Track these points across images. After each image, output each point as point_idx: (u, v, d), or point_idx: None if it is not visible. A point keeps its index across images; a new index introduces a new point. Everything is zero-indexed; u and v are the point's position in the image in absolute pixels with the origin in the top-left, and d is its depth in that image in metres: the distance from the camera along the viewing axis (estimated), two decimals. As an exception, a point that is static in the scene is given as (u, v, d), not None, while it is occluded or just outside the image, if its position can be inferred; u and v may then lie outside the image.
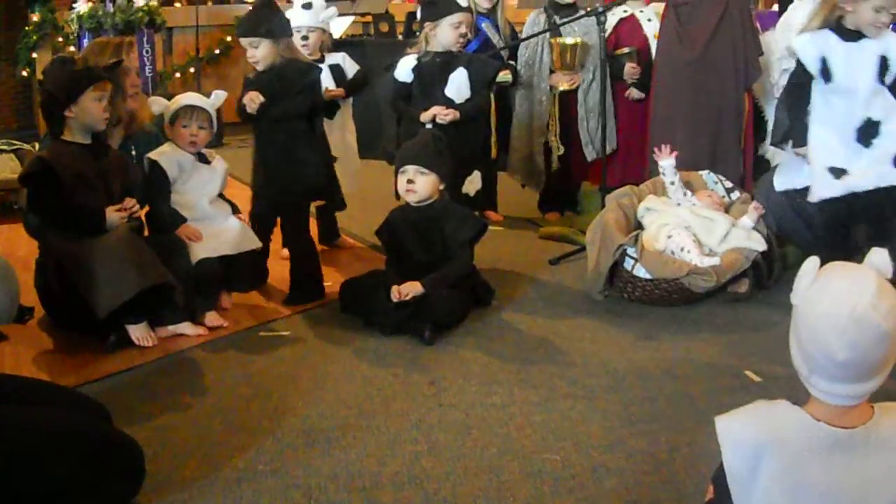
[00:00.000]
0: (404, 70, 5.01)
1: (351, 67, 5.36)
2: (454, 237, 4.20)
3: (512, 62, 5.84)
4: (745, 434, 1.85)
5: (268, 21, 4.32)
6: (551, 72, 5.77)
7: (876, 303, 1.74)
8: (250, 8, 4.62)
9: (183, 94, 4.49)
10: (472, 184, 4.85)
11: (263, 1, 4.44)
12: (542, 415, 3.26)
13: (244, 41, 4.42)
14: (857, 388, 1.80)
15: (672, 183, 4.74)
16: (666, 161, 4.74)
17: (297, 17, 5.03)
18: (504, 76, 5.73)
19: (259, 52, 4.36)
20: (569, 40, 5.66)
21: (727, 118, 5.31)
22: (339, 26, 8.57)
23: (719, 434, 1.88)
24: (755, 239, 4.45)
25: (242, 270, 4.40)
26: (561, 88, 5.76)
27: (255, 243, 4.39)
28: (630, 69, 5.81)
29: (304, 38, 5.03)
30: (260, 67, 4.39)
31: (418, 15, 5.69)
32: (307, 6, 5.14)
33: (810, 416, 1.84)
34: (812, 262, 1.85)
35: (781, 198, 4.78)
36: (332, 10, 5.40)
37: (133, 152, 4.44)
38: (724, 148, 5.32)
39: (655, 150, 4.83)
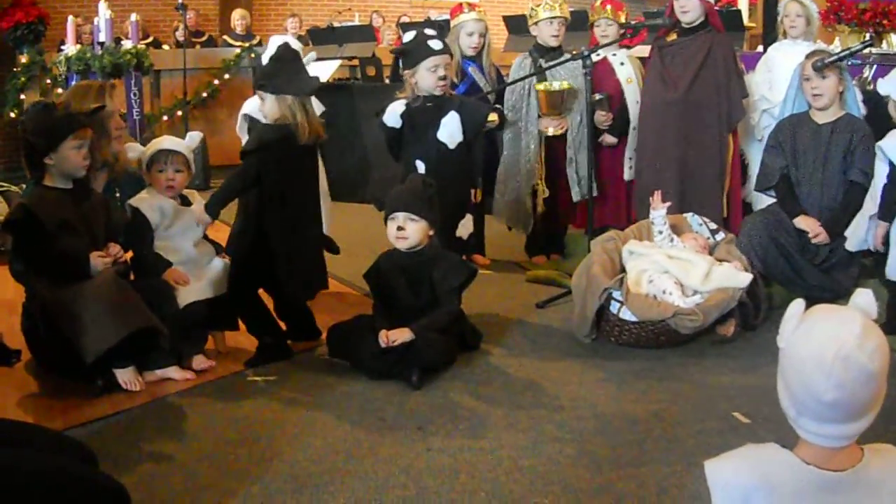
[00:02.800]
0: (392, 116, 4.99)
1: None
2: (443, 284, 4.20)
3: (499, 105, 5.88)
4: (734, 478, 1.85)
5: (274, 76, 4.20)
6: (539, 116, 5.81)
7: (862, 343, 1.75)
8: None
9: (157, 139, 4.47)
10: (465, 227, 4.84)
11: (279, 53, 4.31)
12: (531, 459, 3.26)
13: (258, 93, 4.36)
14: (845, 428, 1.80)
15: (660, 232, 4.74)
16: (658, 211, 4.75)
17: None
18: (490, 119, 5.76)
19: (265, 107, 4.27)
20: (555, 85, 5.69)
21: (709, 159, 5.36)
22: (326, 70, 8.63)
23: (709, 478, 1.88)
24: (739, 275, 4.46)
25: (228, 310, 4.39)
26: (549, 133, 5.79)
27: None
28: (600, 116, 5.86)
29: None
30: (267, 120, 4.29)
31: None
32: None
33: (800, 459, 1.84)
34: (797, 304, 1.86)
35: (766, 239, 4.81)
36: (311, 54, 5.39)
37: (118, 194, 4.44)
38: (705, 188, 5.36)
39: (652, 198, 4.83)
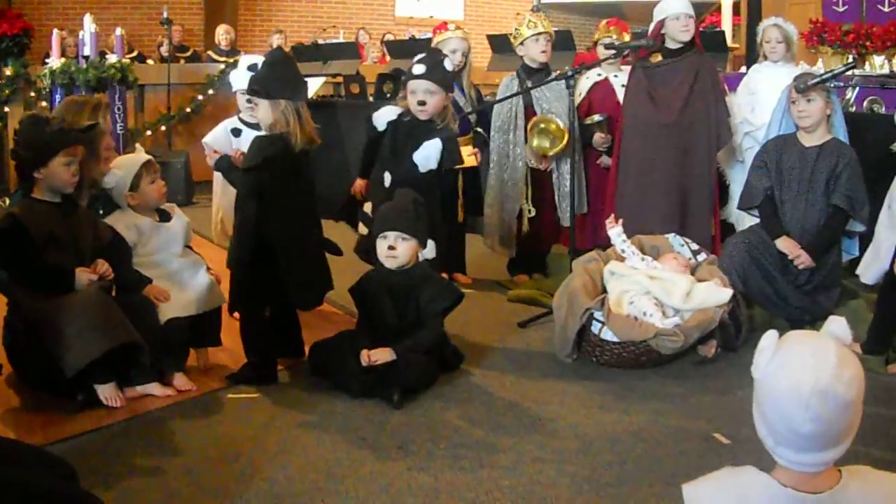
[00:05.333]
0: (381, 119, 4.92)
1: None
2: (429, 307, 4.20)
3: (479, 129, 5.87)
4: (713, 502, 1.86)
5: (267, 81, 4.15)
6: (525, 142, 5.77)
7: (838, 373, 1.75)
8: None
9: (129, 158, 4.43)
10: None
11: (272, 58, 4.30)
12: (511, 479, 3.26)
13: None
14: (823, 455, 1.81)
15: (623, 251, 4.77)
16: (612, 230, 4.78)
17: (242, 79, 4.96)
18: (469, 162, 5.64)
19: (258, 112, 4.23)
20: (546, 143, 5.66)
21: (699, 181, 5.36)
22: (311, 87, 8.62)
23: (686, 502, 1.89)
24: (721, 291, 4.48)
25: (211, 327, 4.39)
26: (531, 166, 5.79)
27: (221, 300, 4.38)
28: (599, 138, 5.86)
29: (249, 101, 4.75)
30: (262, 128, 4.27)
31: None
32: (252, 68, 4.80)
33: (777, 482, 1.85)
34: (771, 335, 1.86)
35: (747, 259, 4.83)
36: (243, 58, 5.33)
37: (100, 212, 4.42)
38: (695, 210, 5.37)
39: (607, 222, 4.85)
